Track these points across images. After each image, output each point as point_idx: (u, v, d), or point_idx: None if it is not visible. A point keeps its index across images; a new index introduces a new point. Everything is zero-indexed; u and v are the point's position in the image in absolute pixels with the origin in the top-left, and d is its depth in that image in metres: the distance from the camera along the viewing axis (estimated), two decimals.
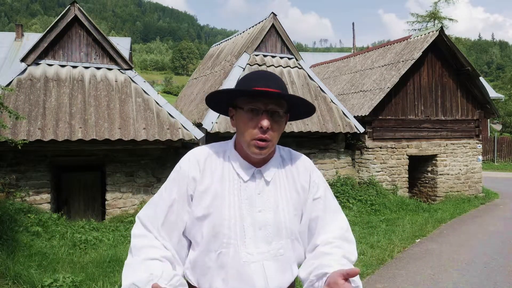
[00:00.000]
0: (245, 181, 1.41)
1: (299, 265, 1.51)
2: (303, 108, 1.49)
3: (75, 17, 7.40)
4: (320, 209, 1.48)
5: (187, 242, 1.45)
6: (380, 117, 10.56)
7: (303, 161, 1.54)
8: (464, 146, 11.71)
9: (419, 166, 11.62)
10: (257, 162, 1.43)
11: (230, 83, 8.58)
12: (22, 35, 25.33)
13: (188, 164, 1.43)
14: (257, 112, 1.34)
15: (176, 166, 1.47)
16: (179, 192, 1.40)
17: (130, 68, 7.84)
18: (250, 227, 1.37)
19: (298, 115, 1.55)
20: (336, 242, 1.44)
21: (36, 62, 7.31)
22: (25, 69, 7.20)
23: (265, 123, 1.32)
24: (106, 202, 7.43)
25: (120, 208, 7.46)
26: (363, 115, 10.22)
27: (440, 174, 11.30)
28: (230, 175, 1.42)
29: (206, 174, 1.41)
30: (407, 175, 10.93)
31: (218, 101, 1.50)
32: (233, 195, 1.39)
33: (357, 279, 1.30)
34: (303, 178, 1.49)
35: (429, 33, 11.09)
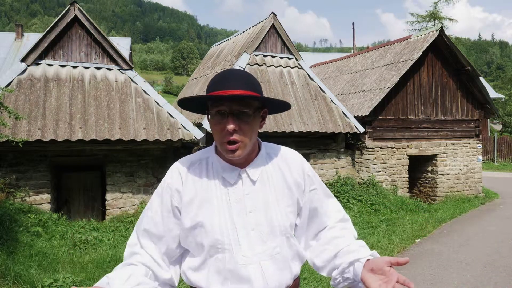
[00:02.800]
0: (231, 184, 1.40)
1: (301, 263, 1.50)
2: (276, 102, 1.46)
3: (75, 17, 7.40)
4: (318, 199, 1.52)
5: (180, 250, 1.45)
6: (380, 117, 10.56)
7: (292, 156, 1.53)
8: (464, 146, 11.71)
9: (419, 166, 11.62)
10: (241, 162, 1.42)
11: None
12: (22, 35, 25.34)
13: (171, 176, 1.44)
14: (223, 115, 1.33)
15: (163, 179, 1.49)
16: (162, 204, 1.41)
17: (130, 68, 7.84)
18: (243, 229, 1.36)
19: (275, 109, 1.52)
20: (339, 224, 1.53)
21: (36, 62, 7.31)
22: (25, 69, 7.20)
23: (230, 126, 1.31)
24: (106, 202, 7.43)
25: (120, 208, 7.46)
26: (363, 115, 10.22)
27: (440, 174, 11.30)
28: (216, 180, 1.41)
29: (188, 184, 1.41)
30: (407, 175, 10.93)
31: (193, 106, 1.51)
32: (221, 199, 1.38)
33: None
34: (295, 172, 1.48)
35: (429, 33, 11.09)
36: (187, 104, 1.47)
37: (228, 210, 1.37)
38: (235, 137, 1.32)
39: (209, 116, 1.40)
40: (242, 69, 9.01)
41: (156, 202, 1.43)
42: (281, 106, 1.48)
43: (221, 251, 1.35)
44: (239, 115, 1.32)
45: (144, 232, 1.41)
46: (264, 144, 1.52)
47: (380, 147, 10.54)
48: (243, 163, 1.42)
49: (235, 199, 1.38)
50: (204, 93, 1.40)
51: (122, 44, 22.12)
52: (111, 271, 1.33)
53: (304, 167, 1.51)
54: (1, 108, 5.45)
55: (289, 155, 1.53)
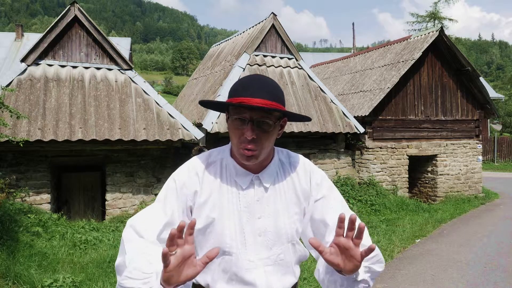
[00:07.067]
0: (243, 188, 1.39)
1: (301, 263, 1.52)
2: (297, 117, 1.45)
3: (75, 17, 7.40)
4: (324, 211, 1.44)
5: None
6: (380, 117, 10.56)
7: (302, 164, 1.52)
8: (464, 146, 11.71)
9: (419, 166, 11.62)
10: (255, 168, 1.41)
11: (230, 83, 8.58)
12: (22, 35, 25.30)
13: (188, 175, 1.40)
14: (243, 121, 1.31)
15: (173, 175, 1.43)
16: (178, 206, 1.38)
17: (130, 68, 7.84)
18: (250, 234, 1.37)
19: (295, 118, 1.50)
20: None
21: (36, 62, 7.31)
22: (25, 69, 7.20)
23: (248, 134, 1.29)
24: (106, 202, 7.43)
25: (120, 208, 7.46)
26: (363, 115, 10.22)
27: (440, 174, 11.30)
28: (229, 184, 1.40)
29: (205, 185, 1.40)
30: (407, 175, 10.92)
31: (213, 106, 1.53)
32: (232, 204, 1.38)
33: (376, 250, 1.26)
34: (303, 181, 1.47)
35: (429, 33, 11.09)
36: (209, 104, 1.51)
37: (238, 215, 1.37)
38: (252, 146, 1.31)
39: (228, 117, 1.38)
40: (242, 69, 9.02)
41: (172, 203, 1.37)
42: (303, 117, 1.47)
43: (227, 253, 1.37)
44: (259, 123, 1.31)
45: (156, 234, 1.32)
46: (278, 150, 1.51)
47: (380, 147, 10.53)
48: (257, 168, 1.41)
49: (245, 204, 1.38)
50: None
51: (122, 44, 22.13)
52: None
53: (312, 176, 1.48)
54: (2, 108, 5.45)
55: (300, 164, 1.51)
